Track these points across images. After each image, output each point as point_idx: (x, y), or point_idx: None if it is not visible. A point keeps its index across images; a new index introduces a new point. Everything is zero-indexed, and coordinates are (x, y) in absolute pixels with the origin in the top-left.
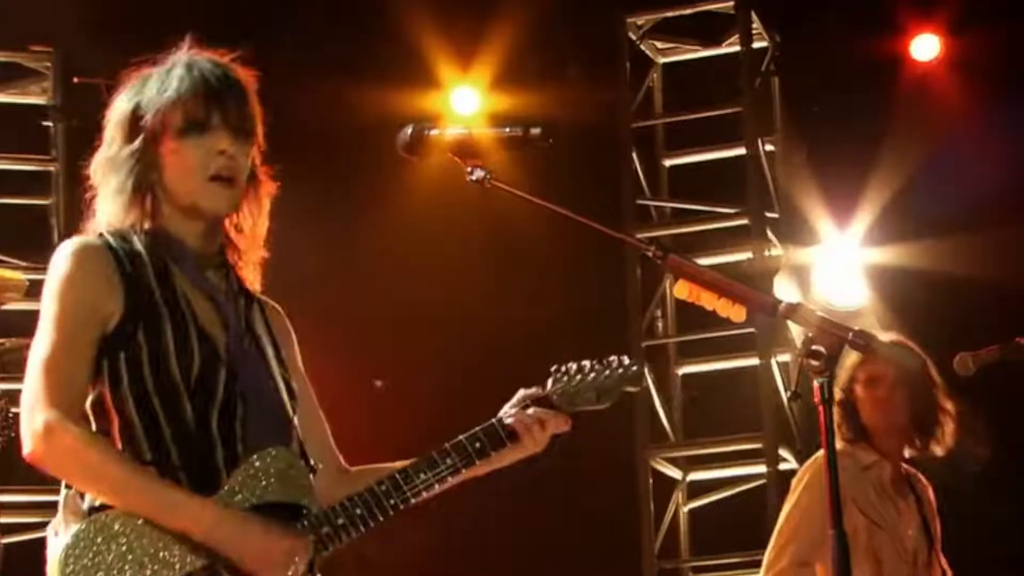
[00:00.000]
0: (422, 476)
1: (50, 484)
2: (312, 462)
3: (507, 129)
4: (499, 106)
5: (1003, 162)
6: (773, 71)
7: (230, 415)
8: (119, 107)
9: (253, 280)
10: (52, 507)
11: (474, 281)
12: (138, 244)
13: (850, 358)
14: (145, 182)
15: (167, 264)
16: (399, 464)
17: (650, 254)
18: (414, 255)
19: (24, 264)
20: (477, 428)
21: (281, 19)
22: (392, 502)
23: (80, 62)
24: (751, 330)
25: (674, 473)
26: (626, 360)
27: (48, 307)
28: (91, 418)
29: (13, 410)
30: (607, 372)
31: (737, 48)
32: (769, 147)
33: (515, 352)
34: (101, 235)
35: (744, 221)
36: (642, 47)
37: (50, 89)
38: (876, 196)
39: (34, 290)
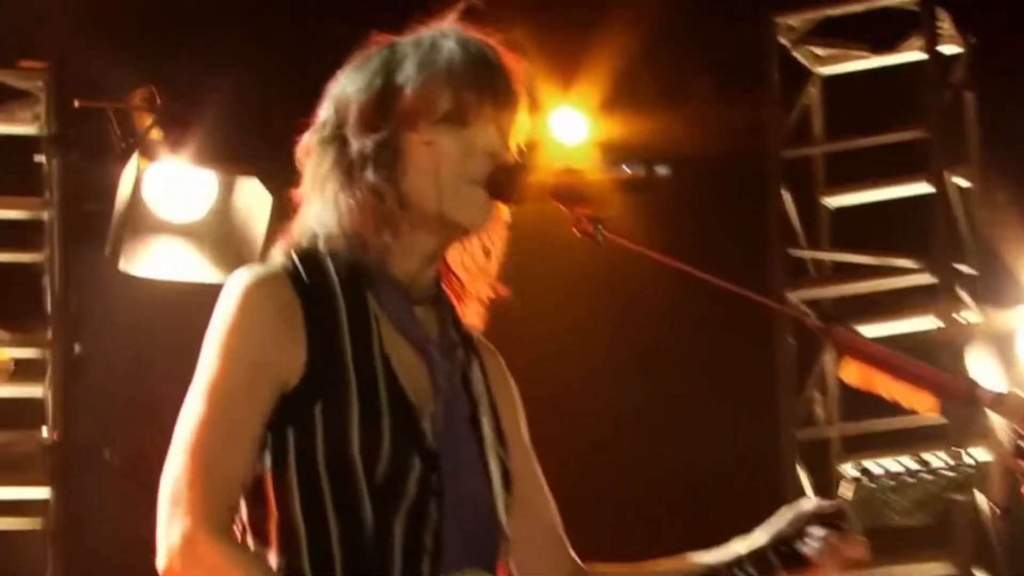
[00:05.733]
0: None
1: None
2: None
3: (625, 167)
4: (611, 132)
5: None
6: (967, 84)
7: (420, 523)
8: (358, 86)
9: (475, 317)
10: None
11: (584, 348)
12: (331, 272)
13: None
14: (383, 181)
15: (367, 301)
16: (642, 569)
17: (808, 324)
18: (511, 317)
19: (9, 337)
20: (751, 551)
21: (347, 30)
22: None
23: (82, 81)
24: (938, 419)
25: None
26: (954, 458)
27: (206, 365)
28: (244, 505)
29: None
30: (930, 476)
31: (920, 55)
32: (961, 182)
33: (634, 436)
34: (286, 259)
35: (929, 278)
36: (796, 55)
37: (43, 115)
38: None
39: (23, 372)
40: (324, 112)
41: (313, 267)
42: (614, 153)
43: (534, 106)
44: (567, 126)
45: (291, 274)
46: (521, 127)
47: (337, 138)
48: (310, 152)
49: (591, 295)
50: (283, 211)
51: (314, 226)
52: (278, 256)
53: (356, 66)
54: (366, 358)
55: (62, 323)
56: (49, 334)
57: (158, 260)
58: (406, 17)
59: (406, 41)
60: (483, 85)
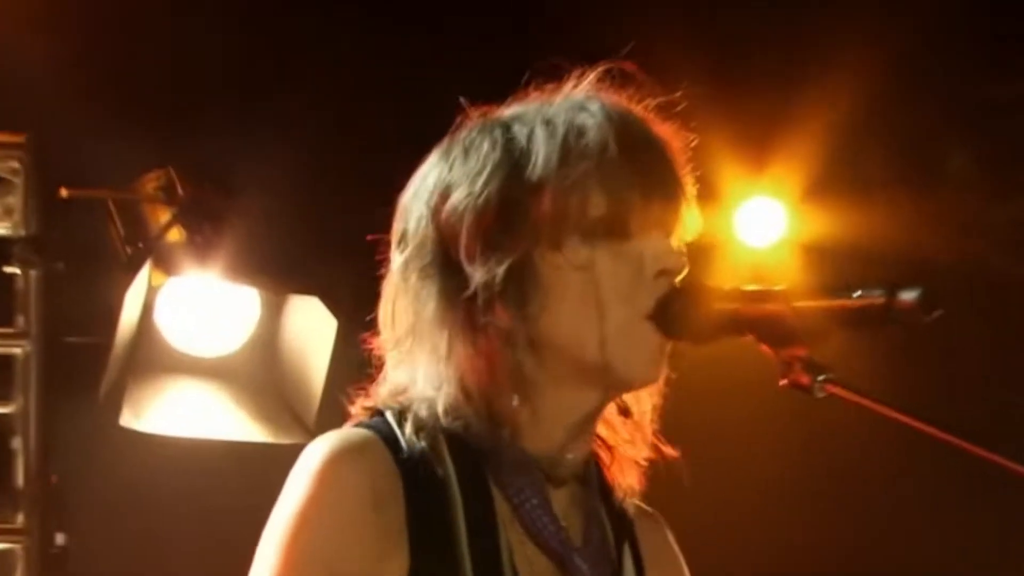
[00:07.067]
0: None
1: None
2: None
3: (855, 292)
4: (819, 231)
5: None
6: None
7: None
8: (467, 188)
9: (628, 482)
10: None
11: (791, 526)
12: (444, 447)
13: None
14: (519, 323)
15: (491, 491)
16: None
17: None
18: (693, 481)
19: None
20: None
21: (428, 104)
22: None
23: (72, 161)
24: None
25: None
26: None
27: (267, 569)
28: None
29: None
30: None
31: None
32: None
33: None
34: (384, 428)
35: None
36: None
37: (18, 208)
38: None
39: None
40: (415, 227)
41: (417, 438)
42: (823, 259)
43: (713, 198)
44: (759, 222)
45: (392, 447)
46: (690, 226)
47: (443, 265)
48: (401, 287)
49: (800, 453)
50: (350, 343)
51: (429, 391)
52: (362, 414)
53: (454, 155)
54: (492, 570)
55: (39, 503)
56: (20, 519)
57: (174, 411)
58: (493, 82)
59: (526, 115)
60: (649, 178)
